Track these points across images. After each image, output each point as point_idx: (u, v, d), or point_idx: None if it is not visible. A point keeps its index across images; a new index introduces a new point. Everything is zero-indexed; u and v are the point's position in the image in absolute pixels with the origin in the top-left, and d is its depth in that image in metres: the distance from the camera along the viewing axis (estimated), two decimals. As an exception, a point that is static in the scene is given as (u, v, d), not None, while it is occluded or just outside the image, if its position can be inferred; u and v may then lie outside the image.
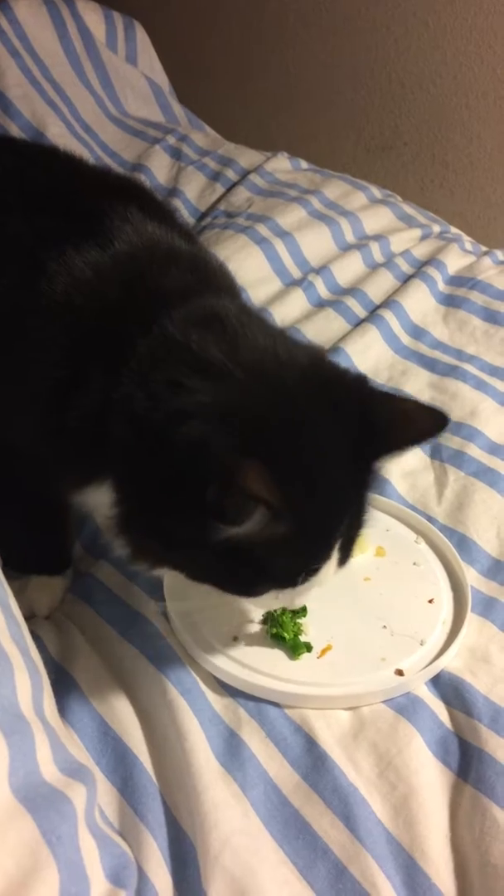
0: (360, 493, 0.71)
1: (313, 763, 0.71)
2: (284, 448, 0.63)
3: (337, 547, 0.69)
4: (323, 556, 0.69)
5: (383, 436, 0.70)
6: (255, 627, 0.82)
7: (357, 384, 0.72)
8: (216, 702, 0.76)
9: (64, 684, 0.76)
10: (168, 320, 0.69)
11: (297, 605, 0.77)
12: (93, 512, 0.80)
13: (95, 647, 0.81)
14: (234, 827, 0.65)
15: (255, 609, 0.82)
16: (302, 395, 0.67)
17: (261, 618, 0.83)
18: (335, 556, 0.70)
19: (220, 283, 0.80)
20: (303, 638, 0.80)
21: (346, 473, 0.68)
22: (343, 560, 0.71)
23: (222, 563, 0.66)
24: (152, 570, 0.73)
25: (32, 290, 0.70)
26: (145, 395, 0.65)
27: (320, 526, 0.67)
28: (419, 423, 0.72)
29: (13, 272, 0.72)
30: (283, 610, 0.81)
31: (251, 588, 0.70)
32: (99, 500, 0.71)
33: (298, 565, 0.68)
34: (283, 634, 0.79)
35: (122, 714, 0.74)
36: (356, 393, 0.71)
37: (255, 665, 0.78)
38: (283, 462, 0.61)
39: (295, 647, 0.79)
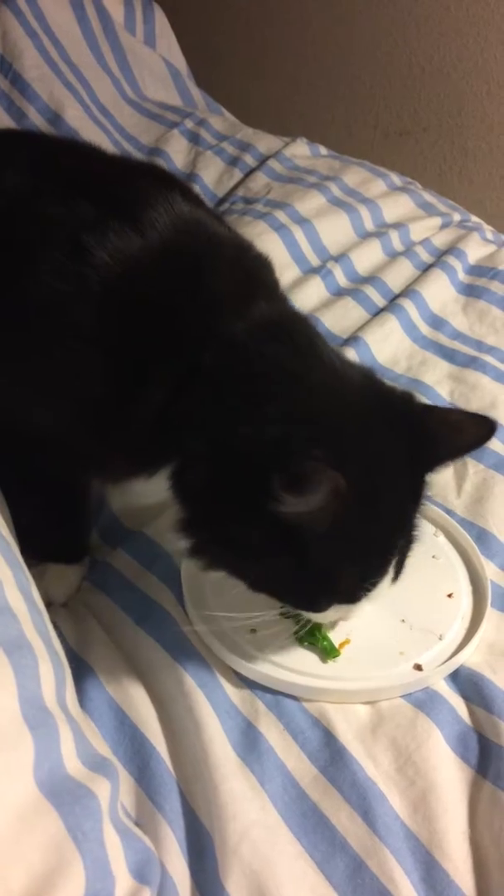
0: (415, 507, 0.72)
1: (331, 757, 0.70)
2: (356, 458, 0.64)
3: (393, 562, 0.70)
4: (383, 570, 0.69)
5: (435, 448, 0.71)
6: (274, 620, 0.82)
7: (405, 399, 0.74)
8: (233, 693, 0.75)
9: (80, 672, 0.76)
10: (234, 328, 0.70)
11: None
12: (128, 497, 0.80)
13: (112, 636, 0.81)
14: (251, 819, 0.65)
15: (274, 602, 0.82)
16: (364, 410, 0.69)
17: (278, 611, 0.82)
18: (391, 571, 0.70)
19: (267, 279, 0.81)
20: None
21: (405, 486, 0.70)
22: (396, 576, 0.72)
23: (290, 574, 0.68)
24: (209, 570, 0.74)
25: (78, 276, 0.68)
26: (224, 407, 0.67)
27: (382, 534, 0.68)
28: (468, 432, 0.73)
29: (54, 258, 0.69)
30: None
31: (315, 601, 0.71)
32: (144, 487, 0.72)
33: (361, 577, 0.69)
34: (318, 638, 0.79)
35: (139, 703, 0.74)
36: (406, 407, 0.73)
37: (274, 658, 0.77)
38: (354, 467, 0.62)
39: (329, 651, 0.78)
